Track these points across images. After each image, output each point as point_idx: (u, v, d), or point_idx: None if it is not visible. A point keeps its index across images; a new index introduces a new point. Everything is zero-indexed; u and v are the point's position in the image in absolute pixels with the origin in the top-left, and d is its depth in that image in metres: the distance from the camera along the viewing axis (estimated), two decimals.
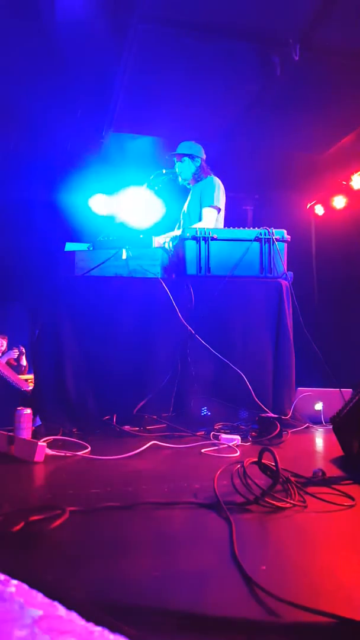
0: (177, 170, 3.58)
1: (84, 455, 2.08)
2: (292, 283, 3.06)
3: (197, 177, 3.57)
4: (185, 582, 0.97)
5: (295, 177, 5.95)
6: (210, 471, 1.73)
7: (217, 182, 3.51)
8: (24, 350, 5.58)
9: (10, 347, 5.60)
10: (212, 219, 3.38)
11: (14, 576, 0.79)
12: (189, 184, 3.64)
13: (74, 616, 0.69)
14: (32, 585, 0.77)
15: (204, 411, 2.80)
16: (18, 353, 5.51)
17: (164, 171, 3.55)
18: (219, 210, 3.44)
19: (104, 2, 3.24)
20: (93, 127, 4.88)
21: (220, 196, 3.47)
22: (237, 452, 2.15)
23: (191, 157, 3.55)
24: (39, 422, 2.56)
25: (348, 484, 1.62)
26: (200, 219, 3.42)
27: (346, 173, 5.69)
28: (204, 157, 3.60)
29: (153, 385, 2.76)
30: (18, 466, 1.90)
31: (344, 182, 5.78)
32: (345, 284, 5.80)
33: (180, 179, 3.61)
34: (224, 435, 2.38)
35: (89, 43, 3.62)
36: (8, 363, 5.30)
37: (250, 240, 2.99)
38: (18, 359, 5.55)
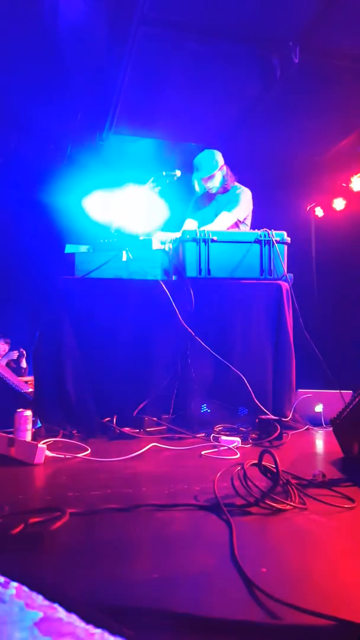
0: (209, 186, 3.49)
1: (84, 457, 2.08)
2: (292, 285, 3.06)
3: (225, 186, 3.51)
4: (185, 584, 0.97)
5: (295, 179, 5.95)
6: (210, 473, 1.73)
7: (244, 193, 3.47)
8: (24, 352, 5.57)
9: (11, 350, 5.59)
10: (225, 225, 3.36)
11: (14, 578, 0.79)
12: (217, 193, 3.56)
13: (74, 618, 0.69)
14: (32, 587, 0.77)
15: (204, 413, 2.80)
16: (18, 354, 5.50)
17: (164, 173, 3.53)
18: (237, 222, 3.40)
19: (104, 6, 3.25)
20: (93, 130, 4.89)
21: (243, 208, 3.43)
22: (237, 454, 2.15)
23: (220, 168, 3.48)
24: (39, 424, 2.56)
25: (348, 486, 1.62)
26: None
27: (346, 175, 5.69)
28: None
29: (153, 387, 2.76)
30: (18, 468, 1.90)
31: (344, 184, 5.78)
32: (345, 286, 5.81)
33: (199, 188, 3.53)
34: (224, 437, 2.38)
35: (90, 45, 3.63)
36: (8, 365, 5.30)
37: (250, 242, 2.99)
38: (18, 361, 5.54)
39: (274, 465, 1.43)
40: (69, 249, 3.10)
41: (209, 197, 3.65)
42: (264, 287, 2.99)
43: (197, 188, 3.59)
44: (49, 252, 4.27)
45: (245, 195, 3.49)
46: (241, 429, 2.64)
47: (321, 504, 1.43)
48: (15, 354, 5.46)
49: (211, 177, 3.48)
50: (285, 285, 3.02)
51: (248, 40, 3.51)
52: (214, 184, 3.50)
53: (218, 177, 3.48)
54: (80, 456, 2.08)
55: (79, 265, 2.90)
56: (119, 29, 3.41)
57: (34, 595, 0.75)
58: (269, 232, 3.02)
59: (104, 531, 1.26)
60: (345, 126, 4.71)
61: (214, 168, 3.47)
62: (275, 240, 3.01)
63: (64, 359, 2.70)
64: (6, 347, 5.61)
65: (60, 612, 0.70)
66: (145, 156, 5.13)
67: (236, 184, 3.55)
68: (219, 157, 3.51)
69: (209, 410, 2.81)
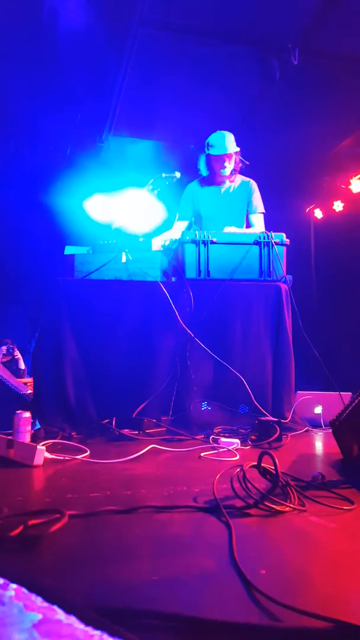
0: (224, 167, 3.32)
1: (83, 459, 2.08)
2: (291, 286, 3.06)
3: (234, 172, 3.40)
4: (184, 586, 0.97)
5: (294, 181, 5.97)
6: (209, 475, 1.72)
7: (254, 184, 3.46)
8: (13, 346, 5.52)
9: (10, 351, 5.58)
10: (263, 224, 3.40)
11: (13, 580, 0.79)
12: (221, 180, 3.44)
13: (73, 620, 0.69)
14: (31, 589, 0.77)
15: (204, 414, 2.80)
16: (7, 348, 5.46)
17: (163, 175, 3.53)
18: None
19: (104, 8, 3.26)
20: (93, 131, 4.90)
21: (261, 199, 3.46)
22: (236, 455, 2.15)
23: (237, 152, 3.39)
24: (38, 425, 2.56)
25: (347, 487, 1.62)
26: (241, 221, 3.41)
27: (345, 177, 5.71)
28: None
29: (152, 388, 2.76)
30: (17, 470, 1.90)
31: (343, 186, 5.79)
32: (344, 287, 5.81)
33: (224, 174, 3.37)
34: (223, 439, 2.38)
35: (90, 47, 3.64)
36: (5, 365, 5.28)
37: (250, 244, 3.00)
38: (17, 363, 5.54)
39: (273, 467, 1.43)
40: (68, 250, 3.10)
41: (215, 182, 3.46)
42: (263, 289, 2.99)
43: (205, 170, 3.41)
44: (48, 253, 4.28)
45: (256, 187, 3.46)
46: (240, 430, 2.64)
47: (320, 506, 1.43)
48: (4, 349, 5.43)
49: (229, 156, 3.33)
50: (284, 287, 3.02)
51: (247, 42, 3.52)
52: (229, 165, 3.35)
53: (234, 158, 3.36)
54: (79, 458, 2.07)
55: (78, 266, 2.90)
56: (118, 31, 3.42)
57: (33, 597, 0.75)
58: (268, 233, 3.03)
59: (103, 533, 1.26)
60: (345, 128, 4.73)
61: (233, 147, 3.35)
62: (275, 242, 3.01)
63: (63, 360, 2.69)
64: (3, 349, 5.60)
65: (60, 614, 0.70)
66: (145, 158, 5.13)
67: (242, 176, 3.49)
68: (234, 139, 3.39)
69: (208, 414, 2.81)
